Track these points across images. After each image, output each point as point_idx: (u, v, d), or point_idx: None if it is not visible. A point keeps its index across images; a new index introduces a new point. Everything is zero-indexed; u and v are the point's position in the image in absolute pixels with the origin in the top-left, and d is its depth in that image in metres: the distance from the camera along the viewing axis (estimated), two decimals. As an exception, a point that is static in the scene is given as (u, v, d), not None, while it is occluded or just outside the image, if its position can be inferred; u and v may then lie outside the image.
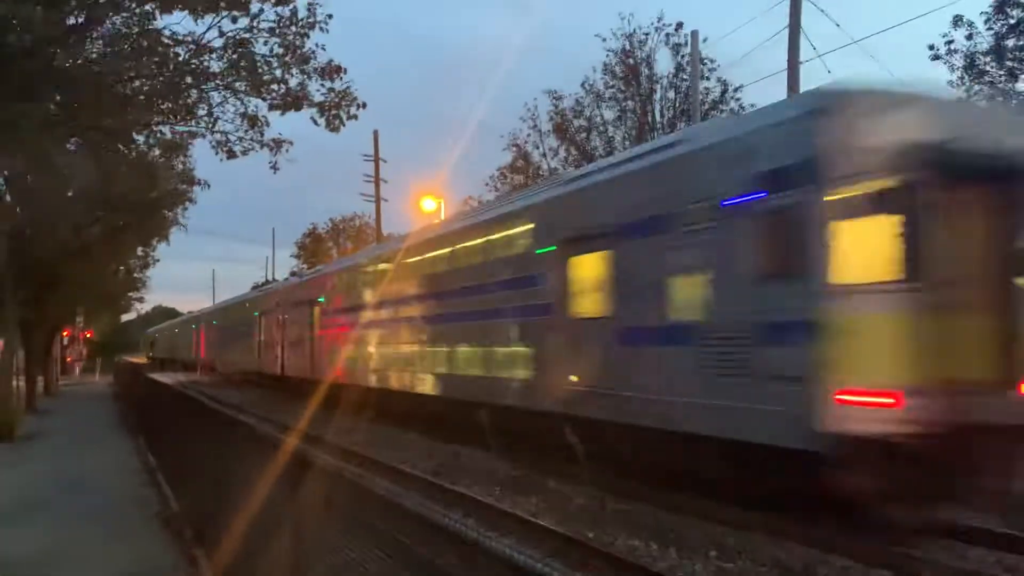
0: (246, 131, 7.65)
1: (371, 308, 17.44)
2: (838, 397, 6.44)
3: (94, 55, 7.26)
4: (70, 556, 7.99)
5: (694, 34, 19.66)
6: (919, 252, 6.54)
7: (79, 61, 6.90)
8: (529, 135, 24.93)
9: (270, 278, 67.22)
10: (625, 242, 9.18)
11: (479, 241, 13.01)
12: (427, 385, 14.70)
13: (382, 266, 17.43)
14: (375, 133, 53.18)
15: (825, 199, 6.62)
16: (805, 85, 15.50)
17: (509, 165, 26.83)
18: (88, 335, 65.96)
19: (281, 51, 7.66)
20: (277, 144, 7.90)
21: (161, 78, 7.41)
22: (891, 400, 6.38)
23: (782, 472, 7.09)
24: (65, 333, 49.99)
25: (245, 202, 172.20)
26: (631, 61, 22.53)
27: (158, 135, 7.79)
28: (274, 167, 8.09)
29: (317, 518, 4.42)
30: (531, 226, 11.43)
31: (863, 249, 6.74)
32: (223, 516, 6.93)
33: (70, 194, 18.44)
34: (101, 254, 19.87)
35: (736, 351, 7.48)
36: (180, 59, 7.36)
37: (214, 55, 7.54)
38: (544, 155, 24.69)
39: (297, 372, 22.82)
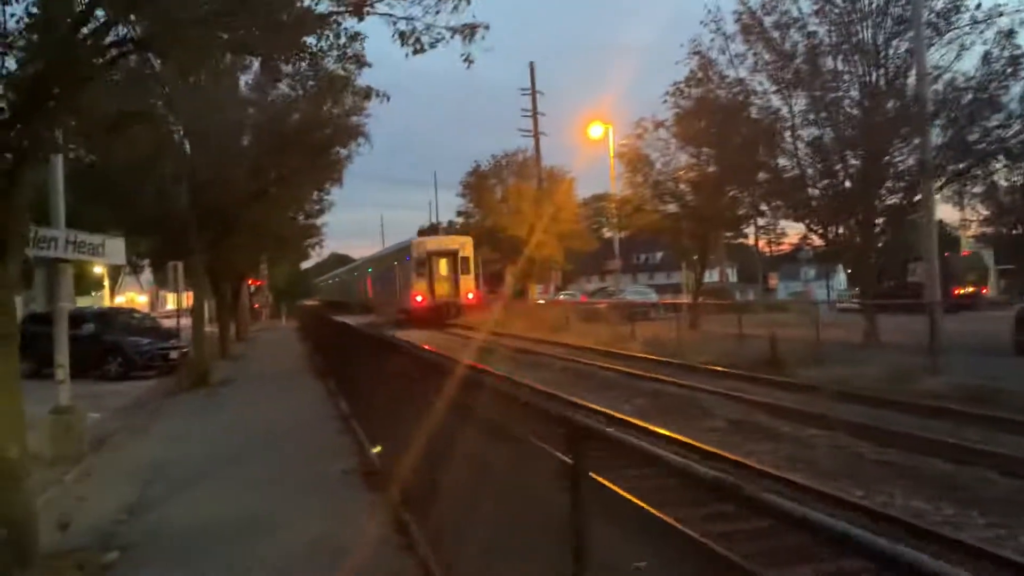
0: (436, 11, 6.14)
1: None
2: (415, 299, 35.79)
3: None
4: (265, 519, 7.14)
5: None
6: (430, 274, 36.65)
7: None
8: (713, 40, 22.25)
9: (434, 221, 71.84)
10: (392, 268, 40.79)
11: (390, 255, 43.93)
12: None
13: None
14: (531, 65, 51.75)
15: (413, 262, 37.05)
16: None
17: (688, 78, 24.21)
18: (268, 283, 69.41)
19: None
20: (471, 30, 6.32)
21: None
22: (421, 299, 35.77)
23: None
24: (252, 282, 52.55)
25: (410, 147, 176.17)
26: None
27: (335, 27, 6.36)
28: (467, 59, 6.56)
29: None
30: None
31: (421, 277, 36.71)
32: (427, 468, 6.02)
33: (245, 142, 18.21)
34: (278, 198, 19.57)
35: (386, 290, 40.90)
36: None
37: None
38: (731, 61, 21.96)
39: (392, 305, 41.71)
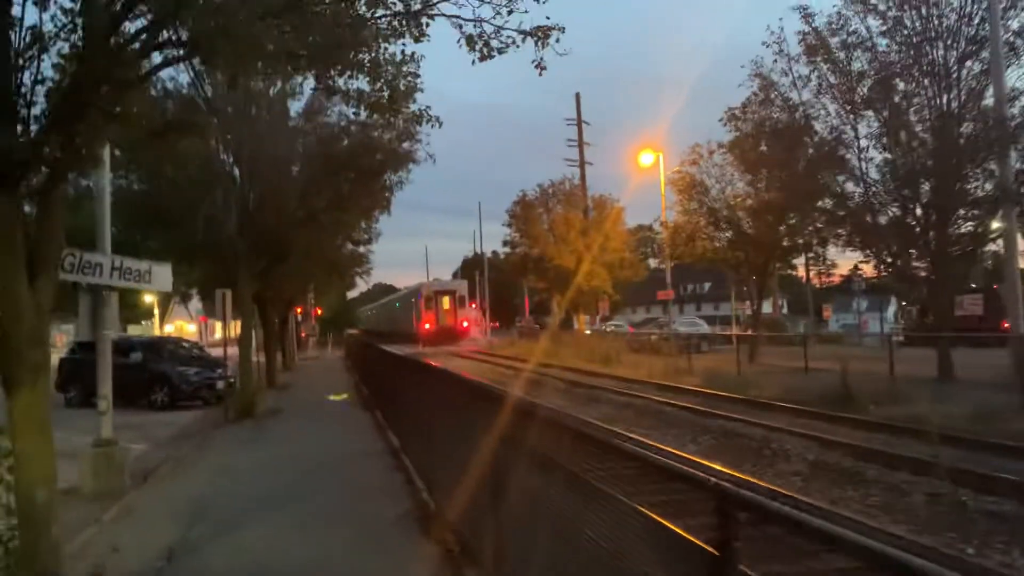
0: (509, 11, 5.56)
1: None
2: (424, 326, 45.88)
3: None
4: (314, 571, 6.51)
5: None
6: (436, 308, 47.87)
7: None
8: (775, 61, 21.48)
9: (478, 252, 75.57)
10: (409, 303, 52.07)
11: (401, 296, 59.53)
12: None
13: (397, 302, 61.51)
14: (577, 96, 51.63)
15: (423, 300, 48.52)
16: None
17: (748, 101, 23.42)
18: (319, 312, 69.79)
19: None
20: (544, 33, 5.73)
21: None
22: (429, 326, 46.02)
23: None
24: (298, 310, 52.67)
25: (455, 177, 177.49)
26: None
27: (394, 37, 5.82)
28: (539, 66, 5.97)
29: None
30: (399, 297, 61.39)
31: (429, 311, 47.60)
32: (488, 519, 5.50)
33: (295, 170, 17.94)
34: (327, 225, 19.24)
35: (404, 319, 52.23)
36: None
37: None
38: (794, 83, 21.14)
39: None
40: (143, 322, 74.61)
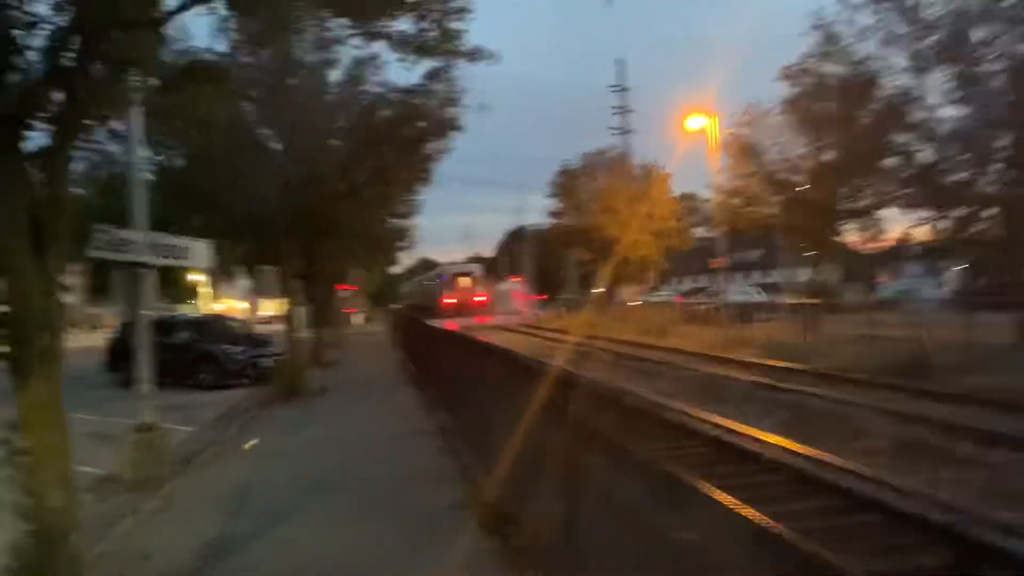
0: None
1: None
2: (444, 301, 47.94)
3: None
4: (365, 569, 5.94)
5: None
6: (454, 287, 50.67)
7: None
8: (838, 12, 20.13)
9: (521, 225, 78.53)
10: (435, 283, 54.44)
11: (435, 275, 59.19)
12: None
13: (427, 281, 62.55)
14: (620, 62, 50.46)
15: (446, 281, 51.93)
16: None
17: (807, 56, 22.09)
18: (365, 287, 69.92)
19: None
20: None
21: None
22: (454, 300, 48.13)
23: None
24: (344, 287, 52.64)
25: (497, 150, 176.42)
26: None
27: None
28: None
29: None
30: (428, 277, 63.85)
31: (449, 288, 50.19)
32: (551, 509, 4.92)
33: (334, 142, 17.34)
34: (370, 198, 18.65)
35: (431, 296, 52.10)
36: None
37: None
38: (859, 35, 19.78)
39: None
40: (191, 301, 75.65)
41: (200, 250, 10.35)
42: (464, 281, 52.49)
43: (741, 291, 44.20)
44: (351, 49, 16.20)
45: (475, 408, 8.92)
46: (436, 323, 22.48)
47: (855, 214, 26.78)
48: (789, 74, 23.34)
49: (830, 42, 20.95)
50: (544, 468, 5.53)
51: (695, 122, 33.43)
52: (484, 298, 51.84)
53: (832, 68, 21.43)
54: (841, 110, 21.18)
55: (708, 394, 14.92)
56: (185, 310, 66.06)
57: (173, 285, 72.68)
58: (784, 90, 23.97)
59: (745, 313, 29.93)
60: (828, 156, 23.21)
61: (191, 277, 68.18)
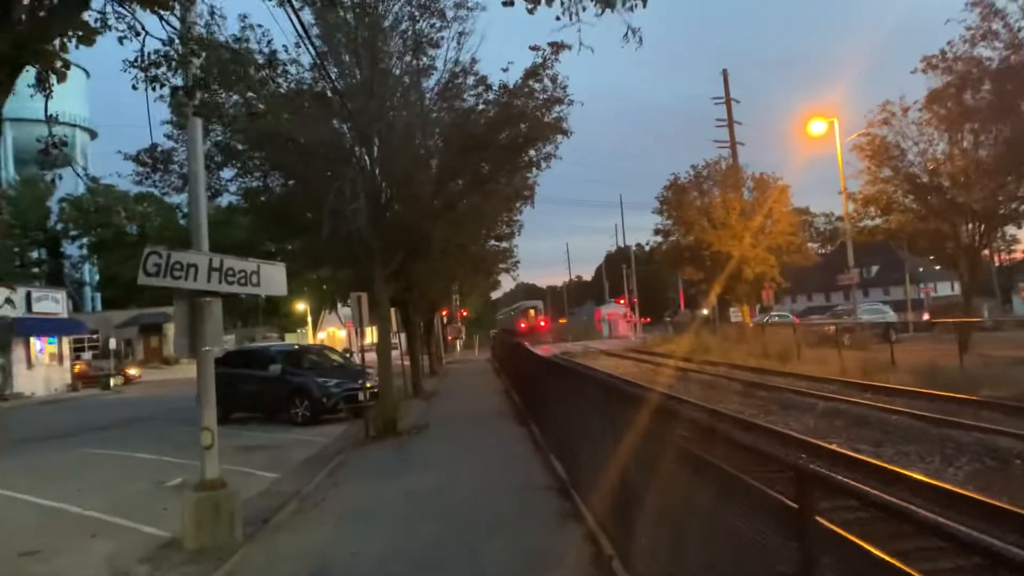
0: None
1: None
2: (519, 325, 68.77)
3: None
4: None
5: None
6: (525, 316, 74.33)
7: None
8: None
9: (621, 246, 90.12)
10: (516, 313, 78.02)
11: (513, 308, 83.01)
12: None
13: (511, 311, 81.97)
14: (724, 73, 47.55)
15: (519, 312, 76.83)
16: None
17: (956, 41, 19.31)
18: (464, 313, 69.21)
19: None
20: None
21: None
22: (525, 325, 69.47)
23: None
24: (444, 312, 51.63)
25: (595, 170, 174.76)
26: None
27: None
28: None
29: None
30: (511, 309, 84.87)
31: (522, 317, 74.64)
32: None
33: (428, 152, 15.95)
34: (468, 214, 17.15)
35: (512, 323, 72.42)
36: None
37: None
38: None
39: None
40: (299, 330, 76.51)
41: (273, 275, 8.91)
42: (531, 312, 75.80)
43: (872, 309, 40.51)
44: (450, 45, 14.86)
45: (599, 458, 7.07)
46: (537, 349, 20.90)
47: (1012, 219, 23.54)
48: (934, 63, 20.57)
49: (992, 17, 18.15)
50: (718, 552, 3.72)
51: (818, 126, 30.73)
52: (545, 323, 74.35)
53: (990, 52, 18.58)
54: (1002, 99, 18.31)
55: (868, 433, 12.52)
56: (292, 339, 66.85)
57: (278, 314, 74.05)
58: (924, 84, 21.19)
59: (884, 333, 26.86)
60: (984, 153, 20.25)
61: (299, 306, 69.18)
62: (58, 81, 4.09)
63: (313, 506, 9.60)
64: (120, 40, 4.38)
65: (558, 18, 4.26)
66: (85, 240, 65.57)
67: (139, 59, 4.52)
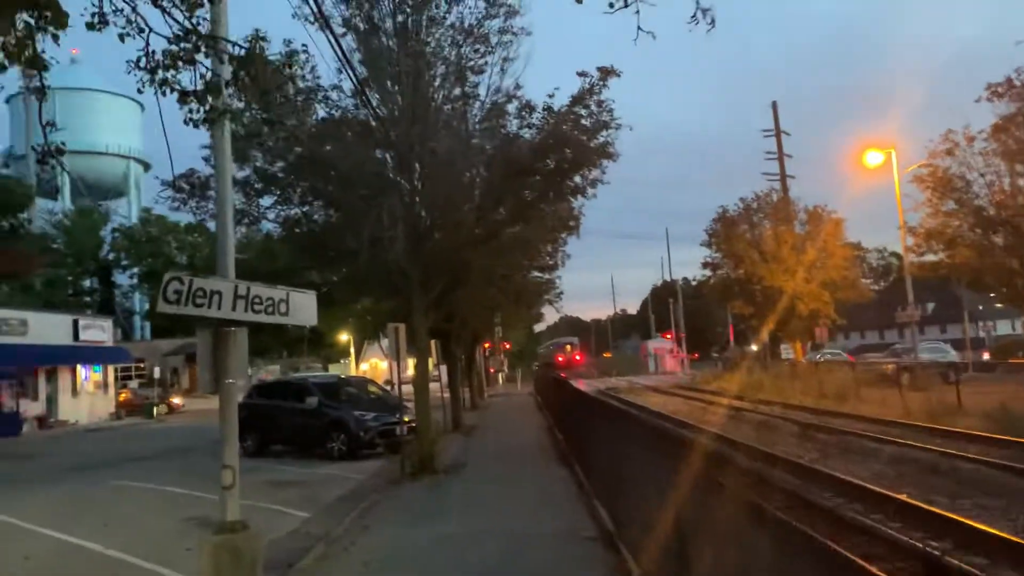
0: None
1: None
2: (558, 359, 77.61)
3: None
4: None
5: None
6: (562, 350, 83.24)
7: None
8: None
9: (667, 279, 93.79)
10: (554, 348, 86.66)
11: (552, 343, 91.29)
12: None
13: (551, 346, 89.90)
14: (774, 105, 46.56)
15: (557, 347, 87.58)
16: None
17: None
18: (507, 346, 68.49)
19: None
20: None
21: None
22: (562, 360, 76.56)
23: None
24: (486, 345, 51.04)
25: (640, 202, 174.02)
26: None
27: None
28: None
29: None
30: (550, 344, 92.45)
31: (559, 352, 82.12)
32: None
33: (470, 178, 15.52)
34: (510, 243, 16.61)
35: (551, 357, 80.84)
36: None
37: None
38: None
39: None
40: (341, 360, 76.50)
41: (303, 303, 8.42)
42: (568, 348, 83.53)
43: (933, 347, 38.85)
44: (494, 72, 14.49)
45: (645, 499, 6.36)
46: (582, 386, 20.18)
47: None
48: (1000, 91, 19.59)
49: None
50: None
51: (875, 157, 29.69)
52: (580, 358, 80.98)
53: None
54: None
55: (941, 482, 11.51)
56: (336, 370, 66.80)
57: (322, 345, 74.21)
58: (989, 113, 20.19)
59: (944, 373, 25.52)
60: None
61: (343, 336, 69.21)
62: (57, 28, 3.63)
63: (341, 550, 9.00)
64: (120, 37, 3.98)
65: (611, 4, 3.71)
66: (136, 269, 66.65)
67: (142, 59, 4.10)
